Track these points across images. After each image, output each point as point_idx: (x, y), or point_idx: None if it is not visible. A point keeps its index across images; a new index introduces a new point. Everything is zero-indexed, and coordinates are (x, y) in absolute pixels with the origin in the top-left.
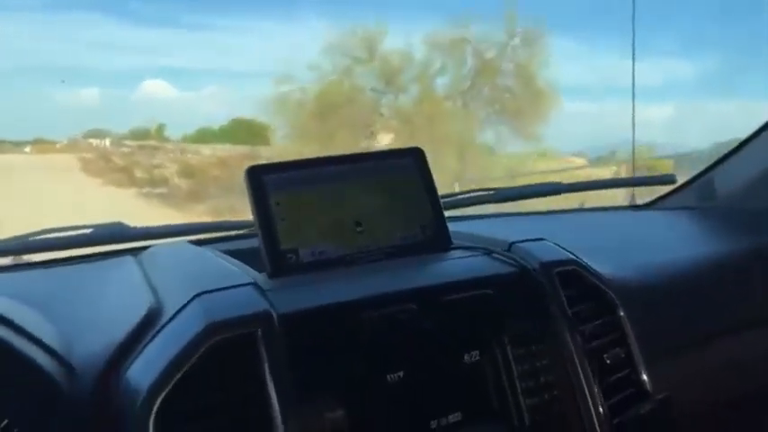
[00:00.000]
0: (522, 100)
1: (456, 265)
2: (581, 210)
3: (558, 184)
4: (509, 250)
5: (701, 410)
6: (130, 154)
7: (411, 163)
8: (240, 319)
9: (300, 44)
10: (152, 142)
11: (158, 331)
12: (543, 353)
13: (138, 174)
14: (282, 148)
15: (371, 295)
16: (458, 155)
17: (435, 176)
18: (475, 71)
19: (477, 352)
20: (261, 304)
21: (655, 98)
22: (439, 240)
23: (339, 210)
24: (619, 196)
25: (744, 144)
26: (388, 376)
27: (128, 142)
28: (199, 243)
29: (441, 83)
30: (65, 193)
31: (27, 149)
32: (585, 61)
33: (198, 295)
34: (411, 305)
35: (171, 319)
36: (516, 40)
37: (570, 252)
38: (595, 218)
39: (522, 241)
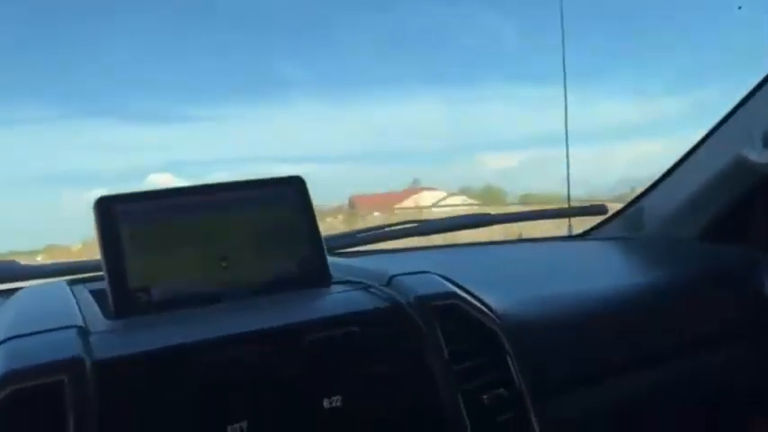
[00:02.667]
0: None
1: (323, 302)
2: (513, 241)
3: (489, 214)
4: (388, 284)
5: None
6: None
7: (289, 193)
8: (42, 367)
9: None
10: None
11: None
12: (413, 397)
13: None
14: None
15: (211, 338)
16: None
17: None
18: None
19: (340, 397)
20: (72, 350)
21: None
22: (317, 276)
23: (202, 244)
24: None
25: (669, 173)
26: (228, 427)
27: None
28: (80, 282)
29: None
30: None
31: (39, 258)
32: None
33: (6, 340)
34: (259, 347)
35: None
36: None
37: (458, 285)
38: (523, 249)
39: (403, 274)
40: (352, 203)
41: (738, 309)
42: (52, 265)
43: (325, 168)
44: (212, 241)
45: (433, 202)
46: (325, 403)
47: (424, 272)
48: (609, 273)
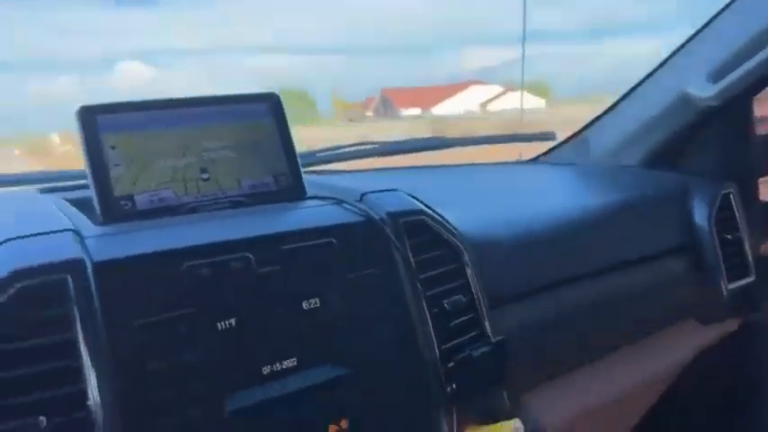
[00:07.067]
0: None
1: (301, 215)
2: (468, 165)
3: (444, 138)
4: (360, 200)
5: (542, 356)
6: None
7: (266, 109)
8: (47, 266)
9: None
10: None
11: None
12: (383, 300)
13: None
14: None
15: (201, 244)
16: None
17: None
18: None
19: (317, 299)
20: (73, 251)
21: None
22: (292, 190)
23: (182, 155)
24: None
25: (616, 104)
26: (218, 324)
27: None
28: (52, 190)
29: None
30: None
31: (16, 152)
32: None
33: (6, 241)
34: (245, 254)
35: None
36: None
37: (423, 203)
38: (477, 172)
39: (374, 192)
40: (384, 97)
41: (673, 229)
42: (14, 175)
43: (313, 60)
44: (193, 153)
45: (485, 98)
46: (305, 305)
47: (393, 189)
48: (556, 195)
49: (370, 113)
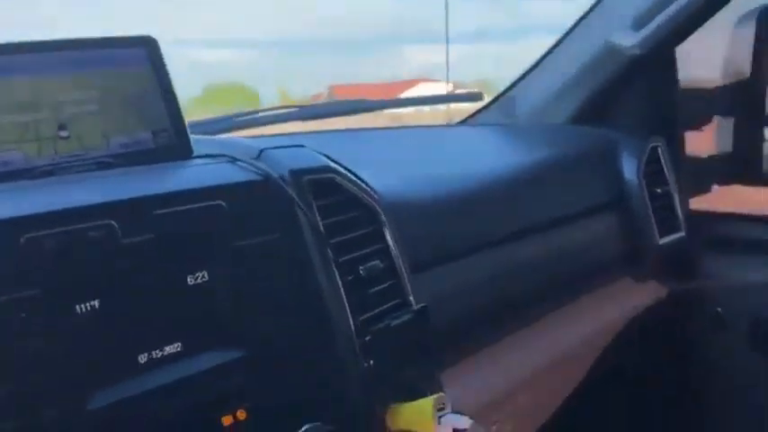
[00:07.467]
0: None
1: (183, 175)
2: (393, 127)
3: (369, 101)
4: (258, 158)
5: (465, 319)
6: None
7: (141, 55)
8: None
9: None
10: None
11: None
12: (285, 269)
13: None
14: None
15: (44, 211)
16: None
17: None
18: None
19: (205, 272)
20: None
21: None
22: (174, 148)
23: (34, 110)
24: None
25: (542, 59)
26: (76, 307)
27: None
28: None
29: None
30: None
31: None
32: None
33: None
34: (106, 221)
35: None
36: None
37: (336, 162)
38: (402, 134)
39: (275, 147)
40: (332, 94)
41: (602, 185)
42: None
43: (259, 55)
44: (48, 107)
45: (434, 95)
46: (190, 280)
47: (298, 146)
48: (482, 155)
49: None
